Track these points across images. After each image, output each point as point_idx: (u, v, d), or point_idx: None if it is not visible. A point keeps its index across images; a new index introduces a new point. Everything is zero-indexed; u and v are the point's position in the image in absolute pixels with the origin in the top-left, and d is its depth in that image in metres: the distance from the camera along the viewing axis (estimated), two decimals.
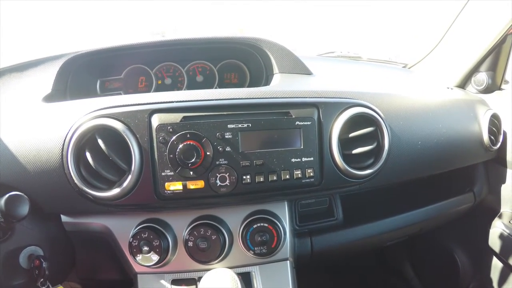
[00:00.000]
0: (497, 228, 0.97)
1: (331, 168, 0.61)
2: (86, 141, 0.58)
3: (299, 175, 0.58)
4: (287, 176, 0.58)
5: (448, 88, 1.01)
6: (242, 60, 0.86)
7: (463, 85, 1.06)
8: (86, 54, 0.76)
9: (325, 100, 0.63)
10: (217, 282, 0.53)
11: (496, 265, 1.03)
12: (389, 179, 0.72)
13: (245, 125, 0.56)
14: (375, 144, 0.66)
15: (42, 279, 0.62)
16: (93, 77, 0.85)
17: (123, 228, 0.66)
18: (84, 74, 0.81)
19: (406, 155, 0.71)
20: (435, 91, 0.94)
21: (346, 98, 0.66)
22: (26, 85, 0.78)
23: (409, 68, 1.12)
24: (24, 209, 0.55)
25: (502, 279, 1.02)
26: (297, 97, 0.62)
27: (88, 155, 0.57)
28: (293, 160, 0.58)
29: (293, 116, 0.59)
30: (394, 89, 0.82)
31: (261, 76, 0.81)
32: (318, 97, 0.63)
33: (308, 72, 0.77)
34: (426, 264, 1.21)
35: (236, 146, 0.56)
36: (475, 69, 1.03)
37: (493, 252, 1.00)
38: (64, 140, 0.58)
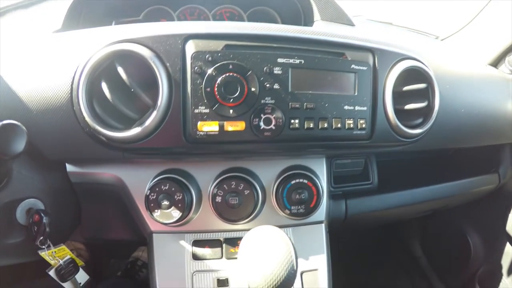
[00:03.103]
0: None
1: (382, 122, 0.55)
2: (103, 71, 0.48)
3: (351, 125, 0.51)
4: (339, 125, 0.51)
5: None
6: (275, 8, 0.77)
7: (496, 64, 1.01)
8: None
9: (382, 47, 0.56)
10: (268, 245, 0.42)
11: (509, 251, 1.02)
12: (431, 145, 0.68)
13: (297, 61, 0.48)
14: (426, 103, 0.60)
15: (41, 237, 0.53)
16: (108, 17, 0.74)
17: (138, 180, 0.57)
18: (98, 13, 0.71)
19: (450, 120, 0.67)
20: (475, 63, 0.89)
21: (401, 49, 0.59)
22: (33, 23, 0.66)
23: (441, 40, 1.07)
24: (20, 143, 0.43)
25: None
26: (353, 39, 0.54)
27: (104, 86, 0.47)
28: (346, 107, 0.51)
29: (349, 59, 0.52)
30: (439, 53, 0.77)
31: None
32: (374, 44, 0.56)
33: (351, 23, 0.70)
34: (436, 244, 1.21)
35: (285, 84, 0.48)
36: (510, 49, 0.98)
37: (508, 238, 0.99)
38: (75, 71, 0.48)
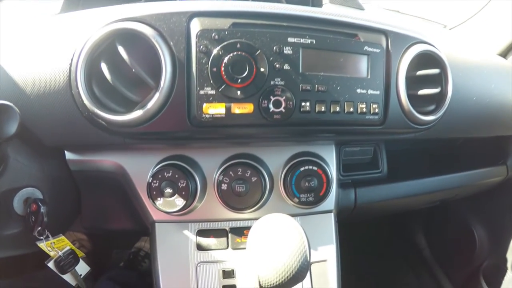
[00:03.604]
0: None
1: (395, 107, 0.53)
2: (102, 51, 0.46)
3: (364, 110, 0.49)
4: (351, 109, 0.48)
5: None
6: None
7: (505, 54, 0.99)
8: None
9: (396, 30, 0.53)
10: (279, 234, 0.40)
11: None
12: (442, 133, 0.66)
13: (309, 41, 0.46)
14: (439, 89, 0.58)
15: (39, 228, 0.51)
16: (109, 2, 0.71)
17: (140, 167, 0.55)
18: None
19: (462, 108, 0.65)
20: (486, 53, 0.87)
21: (415, 32, 0.57)
22: (31, 8, 0.63)
23: (449, 29, 1.05)
24: (12, 125, 0.41)
25: None
26: (365, 21, 0.52)
27: (104, 67, 0.45)
28: (358, 90, 0.49)
29: (362, 40, 0.49)
30: (450, 41, 0.74)
31: None
32: (387, 26, 0.53)
33: (360, 8, 0.67)
34: (441, 236, 1.20)
35: (296, 65, 0.46)
36: None
37: None
38: (74, 52, 0.46)
